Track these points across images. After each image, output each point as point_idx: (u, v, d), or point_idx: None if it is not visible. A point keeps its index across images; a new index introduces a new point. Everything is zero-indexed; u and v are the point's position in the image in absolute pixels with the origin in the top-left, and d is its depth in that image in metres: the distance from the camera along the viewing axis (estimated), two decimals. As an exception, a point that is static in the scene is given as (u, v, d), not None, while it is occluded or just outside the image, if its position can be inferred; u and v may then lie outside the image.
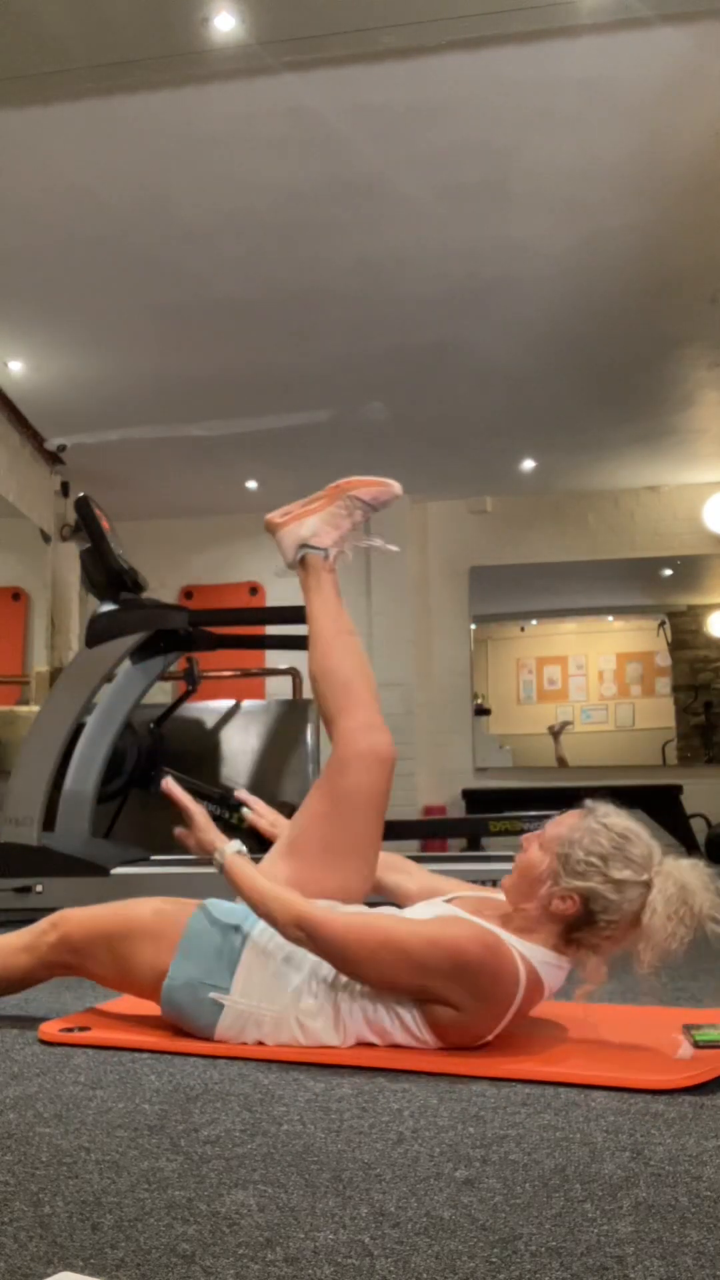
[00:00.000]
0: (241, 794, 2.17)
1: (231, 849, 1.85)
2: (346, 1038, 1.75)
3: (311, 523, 2.16)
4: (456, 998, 1.67)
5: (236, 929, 1.84)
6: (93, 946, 1.90)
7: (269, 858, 1.95)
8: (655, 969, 1.62)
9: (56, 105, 3.38)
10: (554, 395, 5.69)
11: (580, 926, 1.71)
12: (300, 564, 2.17)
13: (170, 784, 1.97)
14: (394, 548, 2.31)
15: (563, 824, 1.77)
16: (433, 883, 2.07)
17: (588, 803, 1.79)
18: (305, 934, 1.70)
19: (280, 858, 1.93)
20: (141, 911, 1.91)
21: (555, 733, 7.32)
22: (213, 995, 1.78)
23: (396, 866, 2.11)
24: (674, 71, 3.25)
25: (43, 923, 1.98)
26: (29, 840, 3.54)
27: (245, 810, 2.13)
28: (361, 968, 1.70)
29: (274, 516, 2.22)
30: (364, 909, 1.97)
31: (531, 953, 1.71)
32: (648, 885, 1.67)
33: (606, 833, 1.71)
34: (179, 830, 1.96)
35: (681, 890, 1.64)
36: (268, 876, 1.83)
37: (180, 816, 1.97)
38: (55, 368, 5.24)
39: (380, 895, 2.08)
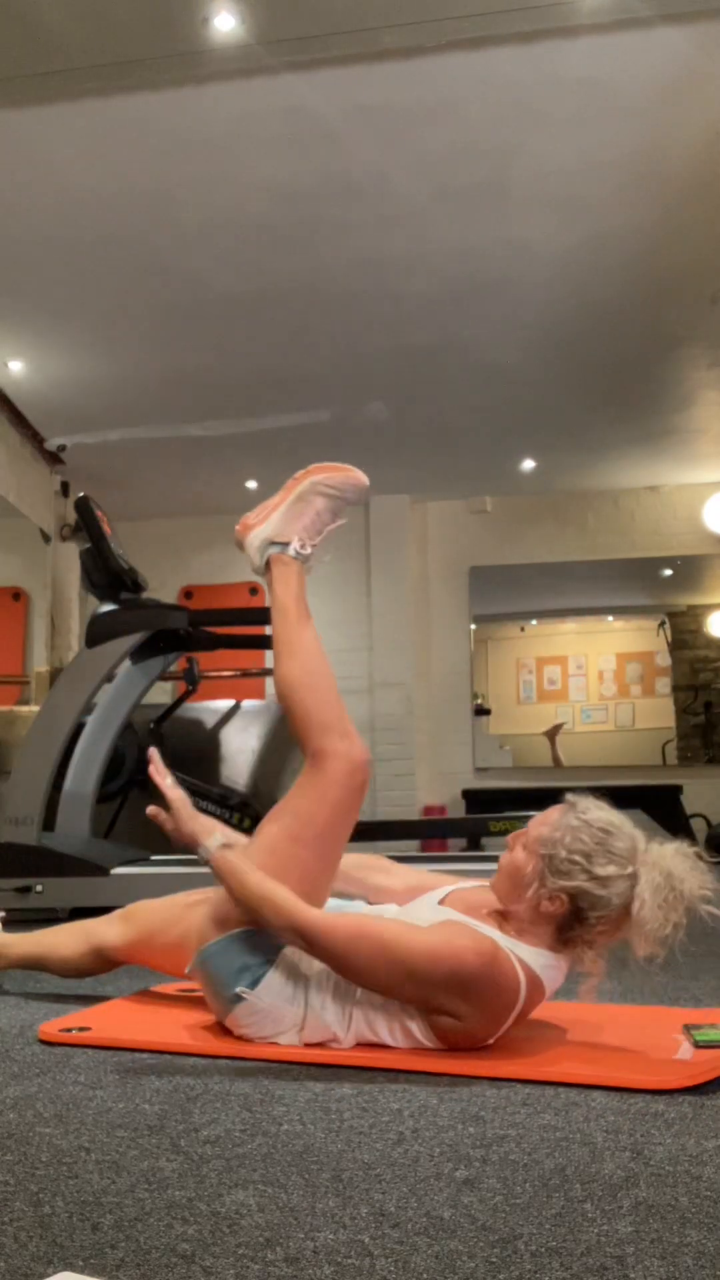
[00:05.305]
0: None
1: (216, 843, 1.79)
2: (348, 1036, 1.76)
3: (273, 519, 2.05)
4: (458, 1008, 1.67)
5: (276, 945, 1.81)
6: (155, 931, 2.06)
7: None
8: (654, 957, 1.62)
9: (56, 105, 3.38)
10: (554, 395, 5.69)
11: (572, 925, 1.71)
12: (266, 567, 2.04)
13: (155, 763, 1.89)
14: (341, 519, 2.09)
15: (545, 823, 1.77)
16: (416, 880, 2.05)
17: (568, 797, 1.79)
18: (303, 941, 1.69)
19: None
20: (209, 897, 1.94)
21: (551, 736, 7.33)
22: (238, 990, 1.77)
23: (377, 867, 2.09)
24: (674, 71, 3.26)
25: (115, 913, 2.16)
26: (29, 840, 3.55)
27: None
28: (361, 977, 1.70)
29: (239, 528, 2.11)
30: (363, 904, 1.97)
31: (530, 956, 1.71)
32: (633, 877, 1.67)
33: (588, 829, 1.71)
34: (151, 809, 1.85)
35: (668, 878, 1.64)
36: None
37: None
38: (55, 368, 5.24)
39: (363, 898, 2.05)
